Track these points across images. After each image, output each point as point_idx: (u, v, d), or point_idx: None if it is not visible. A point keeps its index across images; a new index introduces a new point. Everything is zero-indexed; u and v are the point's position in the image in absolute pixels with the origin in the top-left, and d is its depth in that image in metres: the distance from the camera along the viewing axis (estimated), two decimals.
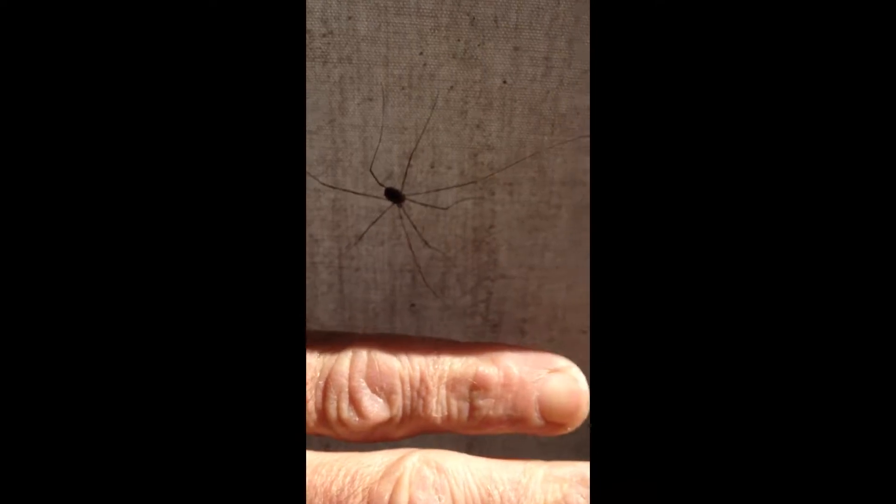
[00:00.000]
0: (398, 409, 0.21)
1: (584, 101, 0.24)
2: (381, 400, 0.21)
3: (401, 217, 0.27)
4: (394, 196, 0.26)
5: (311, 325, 0.30)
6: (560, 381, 0.21)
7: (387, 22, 0.23)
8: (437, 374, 0.21)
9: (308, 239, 0.28)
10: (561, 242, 0.27)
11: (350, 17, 0.23)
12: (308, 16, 0.23)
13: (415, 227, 0.27)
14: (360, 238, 0.27)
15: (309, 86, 0.24)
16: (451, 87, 0.24)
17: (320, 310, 0.29)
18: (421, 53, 0.24)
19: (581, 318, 0.29)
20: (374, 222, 0.26)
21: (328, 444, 0.22)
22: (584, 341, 0.29)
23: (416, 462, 0.20)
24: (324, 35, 0.23)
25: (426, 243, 0.27)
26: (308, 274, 0.29)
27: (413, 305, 0.29)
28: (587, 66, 0.23)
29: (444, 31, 0.23)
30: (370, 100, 0.25)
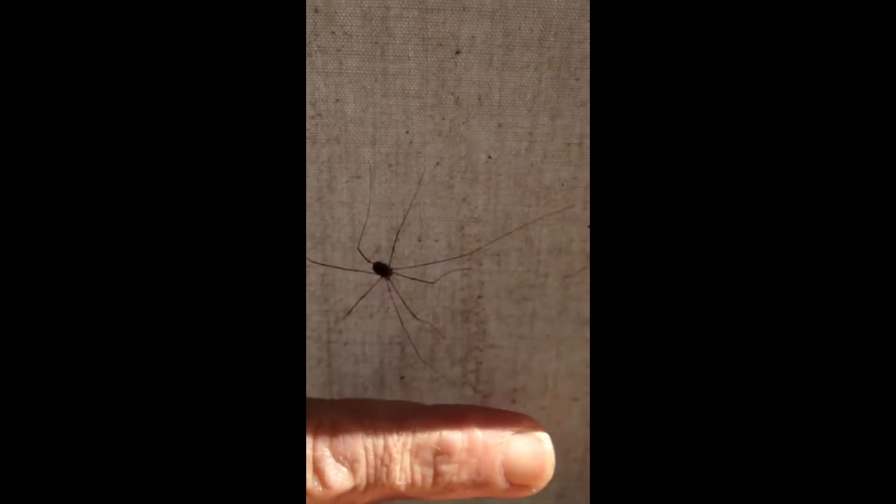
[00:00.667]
0: (362, 477, 0.21)
1: (568, 172, 0.25)
2: (345, 469, 0.21)
3: (389, 290, 0.27)
4: (382, 270, 0.26)
5: None
6: (524, 444, 0.21)
7: (374, 104, 0.24)
8: (400, 440, 0.21)
9: None
10: (549, 311, 0.27)
11: (338, 100, 0.24)
12: None
13: (403, 300, 0.27)
14: (349, 312, 0.27)
15: None
16: (438, 163, 0.25)
17: (309, 384, 0.29)
18: (407, 132, 0.24)
19: (572, 386, 0.29)
20: (363, 296, 0.26)
21: None
22: (575, 409, 0.29)
23: None
24: (312, 117, 0.24)
25: (415, 315, 0.27)
26: None
27: (403, 378, 0.29)
28: (570, 140, 0.24)
29: (430, 110, 0.24)
30: (358, 177, 0.25)
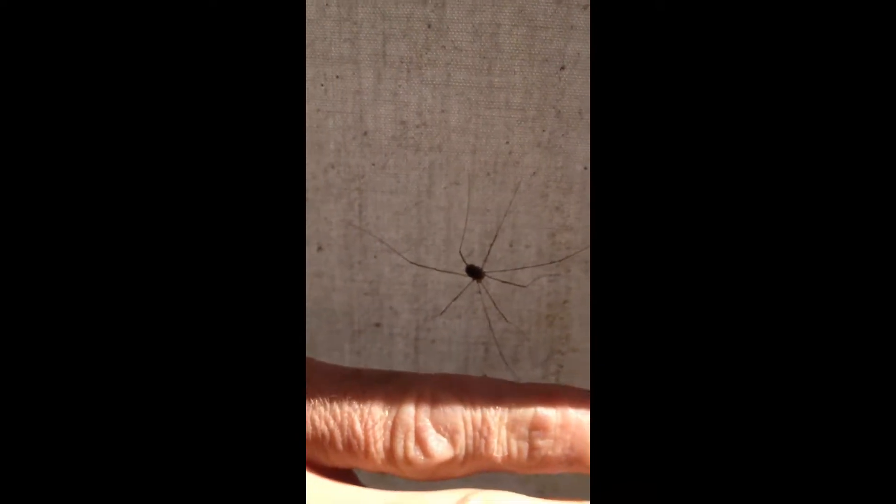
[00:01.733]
0: (461, 448, 0.22)
1: None
2: (445, 439, 0.22)
3: (479, 292, 0.28)
4: (474, 273, 0.27)
5: None
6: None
7: (477, 115, 0.25)
8: (497, 414, 0.22)
9: (388, 311, 0.29)
10: None
11: (443, 111, 0.25)
12: (404, 108, 0.25)
13: (493, 303, 0.28)
14: (442, 312, 0.28)
15: (399, 170, 0.26)
16: (534, 173, 0.26)
17: None
18: (507, 143, 0.25)
19: None
20: (456, 297, 0.28)
21: (392, 485, 0.23)
22: None
23: (478, 503, 0.20)
24: (417, 126, 0.25)
25: (504, 317, 0.28)
26: (385, 345, 0.30)
27: (485, 377, 0.30)
28: None
29: (531, 122, 0.25)
30: (456, 184, 0.26)
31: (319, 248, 0.28)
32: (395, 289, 0.28)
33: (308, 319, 0.30)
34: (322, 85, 0.25)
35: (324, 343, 0.30)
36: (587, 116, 0.24)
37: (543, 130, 0.25)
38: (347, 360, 0.30)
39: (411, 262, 0.28)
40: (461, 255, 0.27)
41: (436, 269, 0.28)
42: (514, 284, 0.27)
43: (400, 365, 0.30)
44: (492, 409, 0.22)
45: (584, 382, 0.30)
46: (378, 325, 0.29)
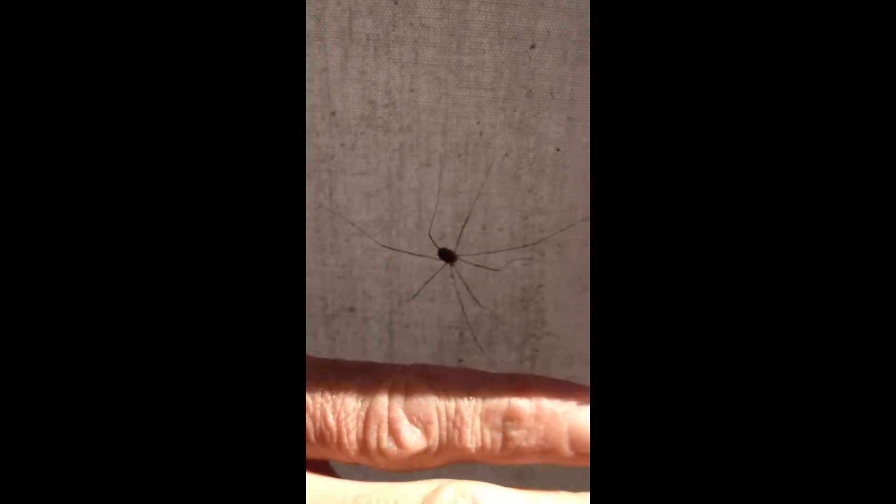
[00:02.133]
0: (434, 439, 0.22)
1: None
2: (418, 430, 0.22)
3: (452, 276, 0.27)
4: (446, 256, 0.27)
5: None
6: (588, 413, 0.22)
7: (447, 94, 0.24)
8: (471, 405, 0.22)
9: (362, 295, 0.29)
10: None
11: (412, 90, 0.24)
12: (372, 87, 0.24)
13: (466, 286, 0.27)
14: (414, 296, 0.28)
15: (369, 151, 0.26)
16: (506, 154, 0.25)
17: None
18: (478, 123, 0.25)
19: None
20: (427, 281, 0.27)
21: (367, 474, 0.23)
22: None
23: (452, 493, 0.20)
24: (386, 105, 0.25)
25: (477, 301, 0.28)
26: (359, 329, 0.30)
27: (460, 361, 0.30)
28: None
29: (502, 102, 0.24)
30: (427, 165, 0.26)
31: None
32: (367, 272, 0.28)
33: None
34: None
35: None
36: (558, 97, 0.24)
37: (514, 111, 0.24)
38: (322, 345, 0.30)
39: (383, 246, 0.27)
40: (431, 237, 0.26)
41: (408, 253, 0.27)
42: (487, 268, 0.27)
43: (374, 350, 0.30)
44: (465, 400, 0.22)
45: (559, 367, 0.30)
46: (352, 309, 0.29)
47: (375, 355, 0.30)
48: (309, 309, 0.29)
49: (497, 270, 0.27)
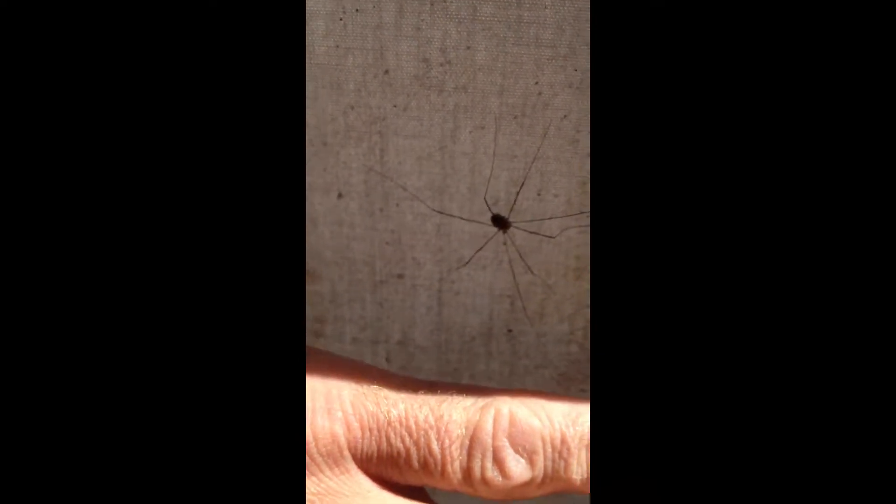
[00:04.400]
0: (540, 469, 0.21)
1: None
2: (523, 461, 0.21)
3: (505, 243, 0.27)
4: (500, 223, 0.26)
5: (408, 347, 0.30)
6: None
7: (504, 52, 0.23)
8: (577, 434, 0.21)
9: (410, 262, 0.28)
10: None
11: (469, 47, 0.23)
12: (427, 45, 0.24)
13: (519, 254, 0.27)
14: (466, 263, 0.27)
15: (422, 113, 0.25)
16: (565, 117, 0.24)
17: (417, 332, 0.30)
18: (536, 83, 0.24)
19: None
20: (480, 248, 0.27)
21: (468, 501, 0.23)
22: None
23: None
24: (441, 64, 0.24)
25: (530, 269, 0.27)
26: (407, 296, 0.29)
27: (510, 331, 0.29)
28: None
29: (562, 60, 0.23)
30: (482, 128, 0.25)
31: (340, 195, 0.27)
32: (417, 238, 0.27)
33: (328, 268, 0.29)
34: (341, 19, 0.23)
35: (344, 293, 0.29)
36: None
37: (575, 70, 0.23)
38: (369, 312, 0.30)
39: (435, 211, 0.26)
40: (486, 203, 0.26)
41: (460, 218, 0.26)
42: (542, 235, 0.26)
43: (422, 318, 0.29)
44: (571, 429, 0.21)
45: None
46: (401, 276, 0.29)
47: (423, 323, 0.29)
48: (356, 275, 0.29)
49: (551, 238, 0.26)
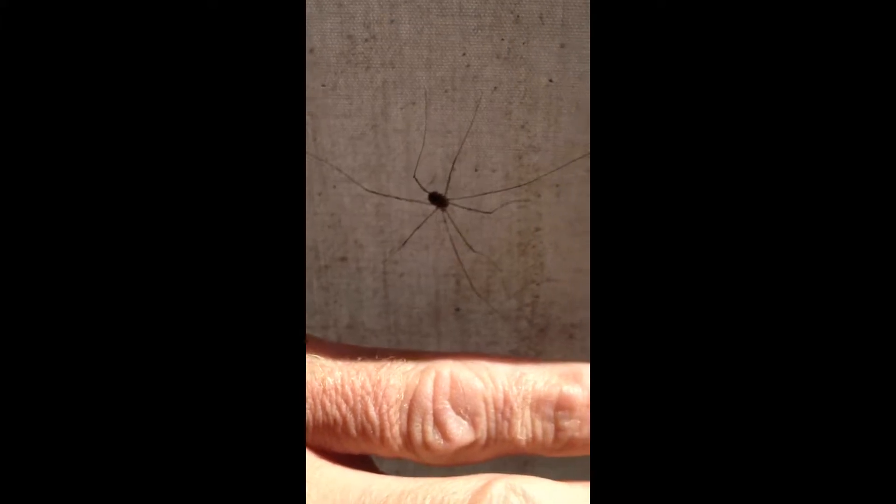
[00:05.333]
0: (483, 431, 0.21)
1: None
2: (465, 422, 0.21)
3: (445, 221, 0.26)
4: (437, 200, 0.25)
5: (357, 331, 0.29)
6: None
7: (429, 24, 0.23)
8: (520, 394, 0.21)
9: (353, 245, 0.28)
10: None
11: (392, 21, 0.23)
12: (350, 20, 0.23)
13: (459, 232, 0.26)
14: (404, 243, 0.27)
15: (351, 91, 0.24)
16: (495, 88, 0.24)
17: (365, 315, 0.29)
18: (464, 54, 0.23)
19: None
20: (418, 227, 0.26)
21: (398, 470, 0.22)
22: None
23: (502, 490, 0.19)
24: (366, 40, 0.23)
25: (470, 247, 0.27)
26: (352, 279, 0.29)
27: (458, 310, 0.29)
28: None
29: (488, 30, 0.23)
30: (413, 103, 0.24)
31: None
32: (357, 220, 0.27)
33: None
34: None
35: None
36: (549, 22, 0.22)
37: (502, 39, 0.23)
38: (316, 297, 0.29)
39: (371, 192, 0.26)
40: (417, 181, 0.25)
41: (397, 198, 0.26)
42: (480, 211, 0.26)
43: (369, 301, 0.29)
44: (514, 389, 0.21)
45: (561, 313, 0.28)
46: (344, 259, 0.28)
47: (370, 307, 0.29)
48: None
49: (489, 213, 0.26)
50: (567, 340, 0.29)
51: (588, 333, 0.28)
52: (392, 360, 0.22)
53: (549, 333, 0.29)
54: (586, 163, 0.25)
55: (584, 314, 0.28)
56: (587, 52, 0.23)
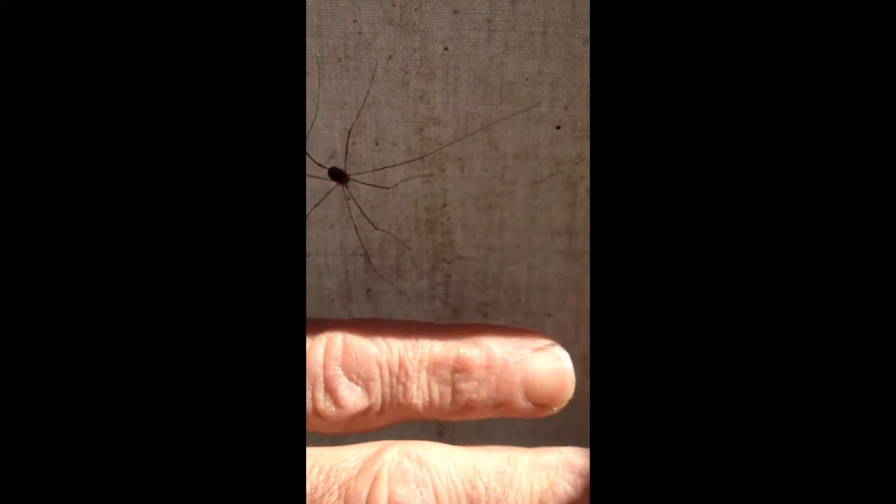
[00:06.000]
0: (377, 396, 0.20)
1: (532, 66, 0.22)
2: (358, 388, 0.20)
3: (348, 199, 0.25)
4: (337, 176, 0.24)
5: None
6: (543, 361, 0.21)
7: None
8: (416, 358, 0.20)
9: None
10: (518, 220, 0.26)
11: None
12: None
13: (360, 209, 0.25)
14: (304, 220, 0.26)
15: None
16: (390, 57, 0.23)
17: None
18: (355, 21, 0.22)
19: (545, 301, 0.27)
20: (316, 205, 0.25)
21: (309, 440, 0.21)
22: (549, 324, 0.28)
23: (395, 455, 0.19)
24: None
25: (374, 226, 0.26)
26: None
27: (369, 290, 0.28)
28: (532, 28, 0.22)
29: None
30: (307, 73, 0.23)
31: None
32: None
33: None
34: None
35: None
36: None
37: (393, 5, 0.22)
38: None
39: None
40: (308, 155, 0.24)
41: None
42: (381, 187, 0.25)
43: None
44: (409, 353, 0.20)
45: (473, 292, 0.28)
46: None
47: None
48: None
49: (388, 189, 0.25)
50: (481, 320, 0.28)
51: (500, 312, 0.28)
52: None
53: (464, 313, 0.28)
54: (485, 136, 0.24)
55: (497, 293, 0.27)
56: (481, 18, 0.22)
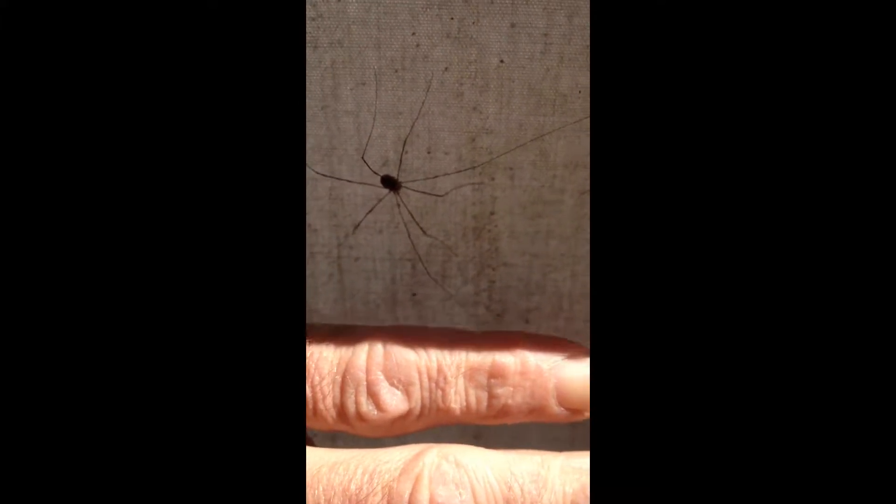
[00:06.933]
0: (417, 401, 0.21)
1: (586, 78, 0.23)
2: (399, 393, 0.21)
3: (398, 205, 0.26)
4: (390, 183, 0.25)
5: (311, 318, 0.29)
6: (577, 369, 0.21)
7: (377, 2, 0.22)
8: (454, 364, 0.21)
9: (307, 229, 0.27)
10: (565, 229, 0.26)
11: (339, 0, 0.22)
12: None
13: (412, 215, 0.26)
14: (356, 227, 0.26)
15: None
16: (446, 69, 0.23)
17: (321, 301, 0.29)
18: (413, 34, 0.23)
19: (587, 307, 0.28)
20: (369, 211, 0.26)
21: (334, 439, 0.22)
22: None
23: (434, 458, 0.20)
24: (313, 19, 0.23)
25: (424, 231, 0.26)
26: (308, 265, 0.28)
27: (415, 295, 0.28)
28: (588, 42, 0.22)
29: (437, 9, 0.22)
30: (363, 84, 0.24)
31: None
32: (310, 204, 0.27)
33: None
34: None
35: None
36: (498, 0, 0.22)
37: (452, 18, 0.22)
38: None
39: (321, 174, 0.26)
40: (366, 163, 0.25)
41: (349, 181, 0.26)
42: (432, 195, 0.25)
43: (324, 286, 0.28)
44: (447, 358, 0.21)
45: (517, 298, 0.28)
46: None
47: (325, 291, 0.28)
48: None
49: (440, 196, 0.25)
50: (523, 326, 0.28)
51: (542, 318, 0.28)
52: (328, 332, 0.22)
53: (506, 318, 0.28)
54: (538, 146, 0.24)
55: (540, 299, 0.28)
56: (538, 31, 0.22)
